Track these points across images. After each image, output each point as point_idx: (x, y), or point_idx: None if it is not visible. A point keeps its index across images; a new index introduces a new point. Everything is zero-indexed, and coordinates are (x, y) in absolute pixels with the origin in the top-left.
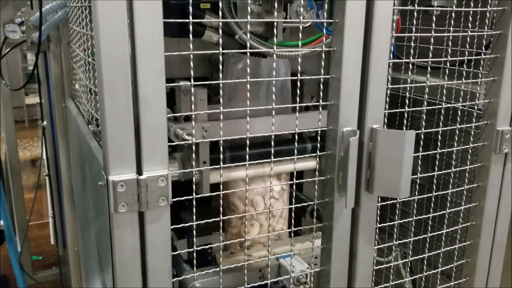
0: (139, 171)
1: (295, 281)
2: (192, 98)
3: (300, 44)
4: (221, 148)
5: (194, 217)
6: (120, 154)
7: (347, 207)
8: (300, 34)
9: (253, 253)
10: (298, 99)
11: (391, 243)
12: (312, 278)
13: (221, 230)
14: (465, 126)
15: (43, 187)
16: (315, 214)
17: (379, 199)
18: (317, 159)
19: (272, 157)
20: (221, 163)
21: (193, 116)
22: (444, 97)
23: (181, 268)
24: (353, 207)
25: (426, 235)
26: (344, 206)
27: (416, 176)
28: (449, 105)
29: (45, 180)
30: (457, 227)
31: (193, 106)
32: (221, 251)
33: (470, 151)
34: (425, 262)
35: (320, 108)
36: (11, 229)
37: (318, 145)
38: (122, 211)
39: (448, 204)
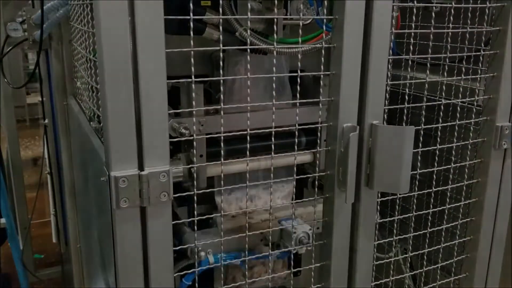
0: (141, 167)
1: (297, 242)
2: (193, 94)
3: (300, 41)
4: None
5: (195, 212)
6: (122, 150)
7: (347, 202)
8: (300, 31)
9: (254, 217)
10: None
11: (391, 239)
12: (313, 239)
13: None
14: (464, 122)
15: (44, 186)
16: (316, 183)
17: (379, 194)
18: (318, 148)
19: (273, 152)
20: (222, 159)
21: (192, 111)
22: (443, 94)
23: (181, 231)
24: (353, 202)
25: (426, 231)
26: (344, 202)
27: (416, 172)
28: (448, 101)
29: (47, 178)
30: (456, 223)
31: (190, 101)
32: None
33: (469, 147)
34: (425, 257)
35: (320, 104)
36: (14, 227)
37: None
38: (124, 206)
39: (447, 199)
